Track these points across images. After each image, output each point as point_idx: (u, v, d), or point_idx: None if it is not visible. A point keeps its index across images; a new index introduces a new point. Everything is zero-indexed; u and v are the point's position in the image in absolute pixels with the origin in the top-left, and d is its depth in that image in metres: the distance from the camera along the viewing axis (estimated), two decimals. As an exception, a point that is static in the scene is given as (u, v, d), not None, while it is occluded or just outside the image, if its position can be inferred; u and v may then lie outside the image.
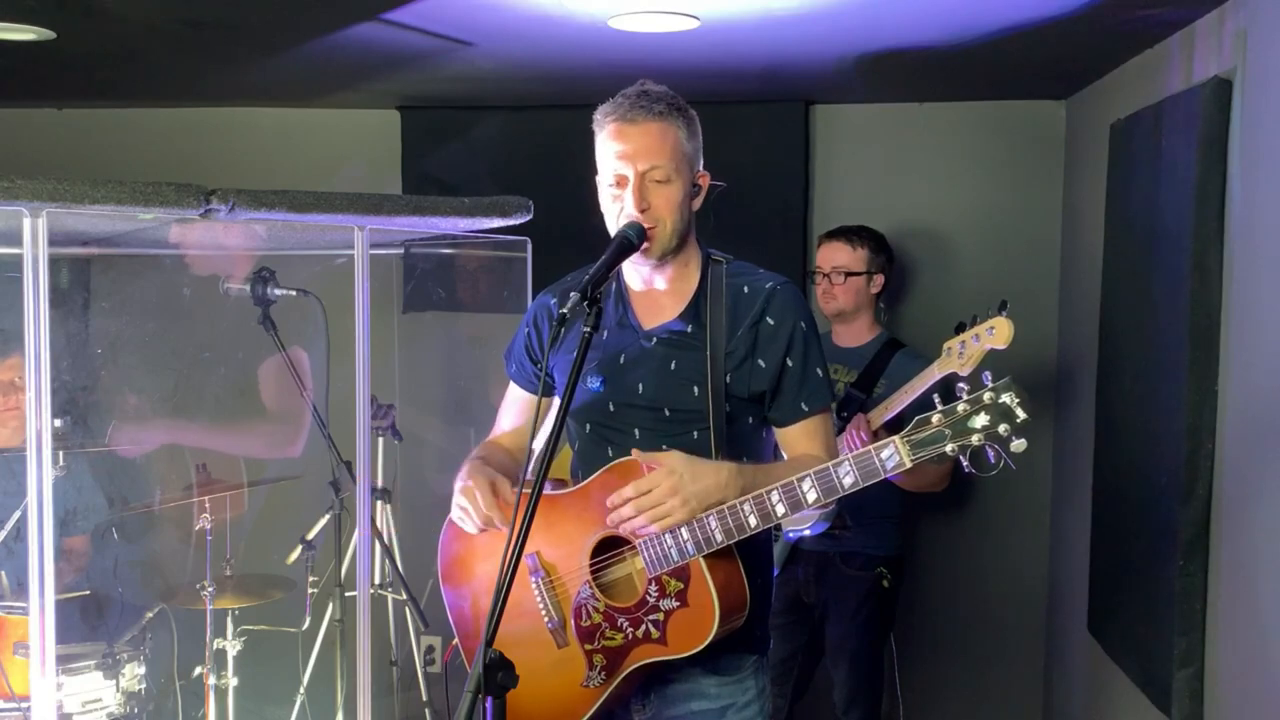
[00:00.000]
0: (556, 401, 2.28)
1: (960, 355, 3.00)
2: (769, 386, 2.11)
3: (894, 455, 1.85)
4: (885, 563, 3.43)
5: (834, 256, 3.48)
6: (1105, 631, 3.25)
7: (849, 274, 3.45)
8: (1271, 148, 2.29)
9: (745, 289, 2.13)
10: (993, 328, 2.95)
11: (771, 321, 2.10)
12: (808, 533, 3.31)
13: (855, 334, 3.52)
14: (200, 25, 2.92)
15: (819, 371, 2.13)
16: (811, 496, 1.91)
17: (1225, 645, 2.50)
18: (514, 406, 2.40)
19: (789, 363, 2.10)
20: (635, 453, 2.01)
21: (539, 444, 2.35)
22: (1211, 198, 2.52)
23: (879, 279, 3.50)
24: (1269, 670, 2.28)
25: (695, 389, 2.09)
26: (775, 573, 3.41)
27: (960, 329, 3.03)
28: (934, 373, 3.07)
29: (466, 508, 2.12)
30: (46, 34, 2.96)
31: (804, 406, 2.12)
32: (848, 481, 1.89)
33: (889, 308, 3.71)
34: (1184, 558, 2.58)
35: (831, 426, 2.20)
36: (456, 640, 2.29)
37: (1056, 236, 3.98)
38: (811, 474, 1.91)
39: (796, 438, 2.14)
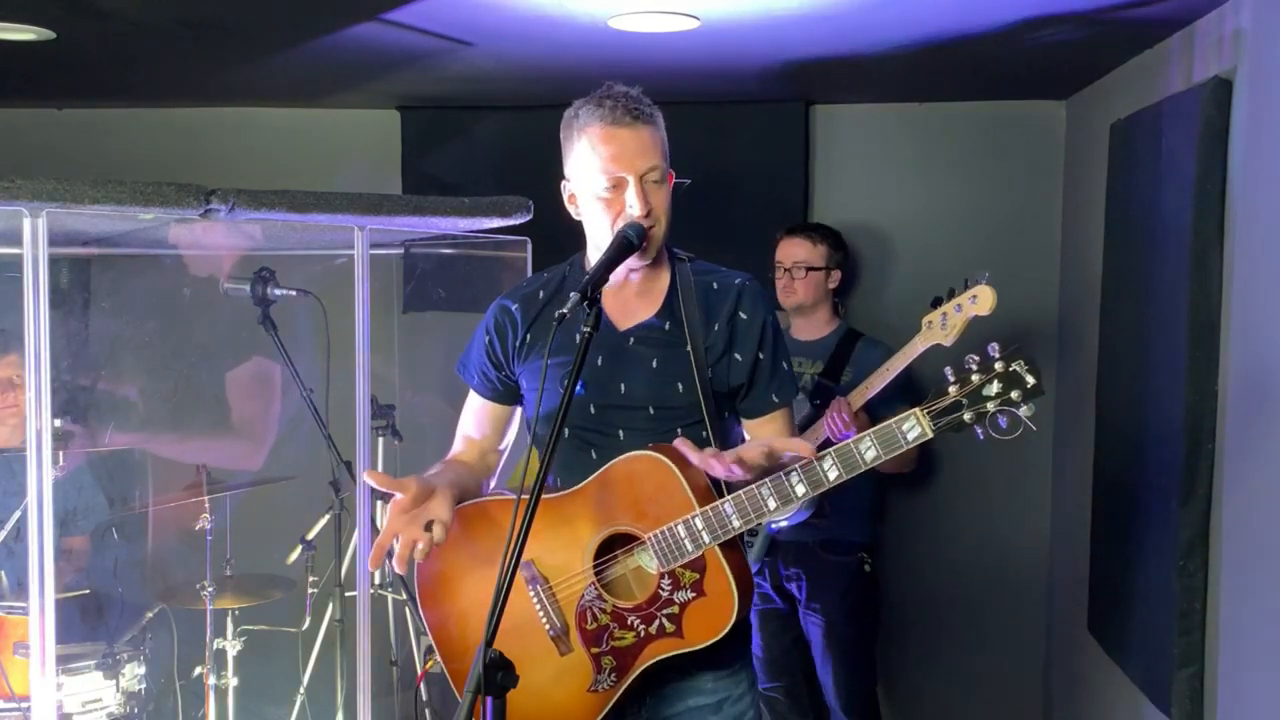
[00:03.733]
0: (518, 410, 2.29)
1: (943, 327, 3.02)
2: (744, 379, 2.13)
3: (915, 427, 1.86)
4: (863, 549, 3.50)
5: (794, 252, 3.55)
6: (1105, 631, 3.25)
7: (810, 269, 3.53)
8: (1271, 148, 2.29)
9: (714, 285, 2.16)
10: (975, 295, 2.98)
11: (745, 316, 2.13)
12: (784, 523, 3.32)
13: (814, 327, 3.60)
14: (200, 25, 2.92)
15: (785, 365, 2.17)
16: (833, 474, 1.90)
17: (1225, 645, 2.50)
18: (475, 415, 2.32)
19: (761, 356, 2.13)
20: (652, 446, 2.00)
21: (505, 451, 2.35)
22: (1211, 197, 2.52)
23: (836, 274, 3.60)
24: (1269, 670, 2.28)
25: (680, 385, 2.09)
26: (756, 566, 3.44)
27: (937, 303, 3.06)
28: (916, 347, 3.12)
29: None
30: (46, 34, 2.96)
31: (774, 398, 2.15)
32: (869, 456, 1.88)
33: (844, 301, 3.80)
34: (1184, 558, 2.58)
35: (793, 419, 2.23)
36: (437, 656, 2.21)
37: (1056, 237, 3.98)
38: (832, 452, 1.90)
39: (765, 429, 2.16)
